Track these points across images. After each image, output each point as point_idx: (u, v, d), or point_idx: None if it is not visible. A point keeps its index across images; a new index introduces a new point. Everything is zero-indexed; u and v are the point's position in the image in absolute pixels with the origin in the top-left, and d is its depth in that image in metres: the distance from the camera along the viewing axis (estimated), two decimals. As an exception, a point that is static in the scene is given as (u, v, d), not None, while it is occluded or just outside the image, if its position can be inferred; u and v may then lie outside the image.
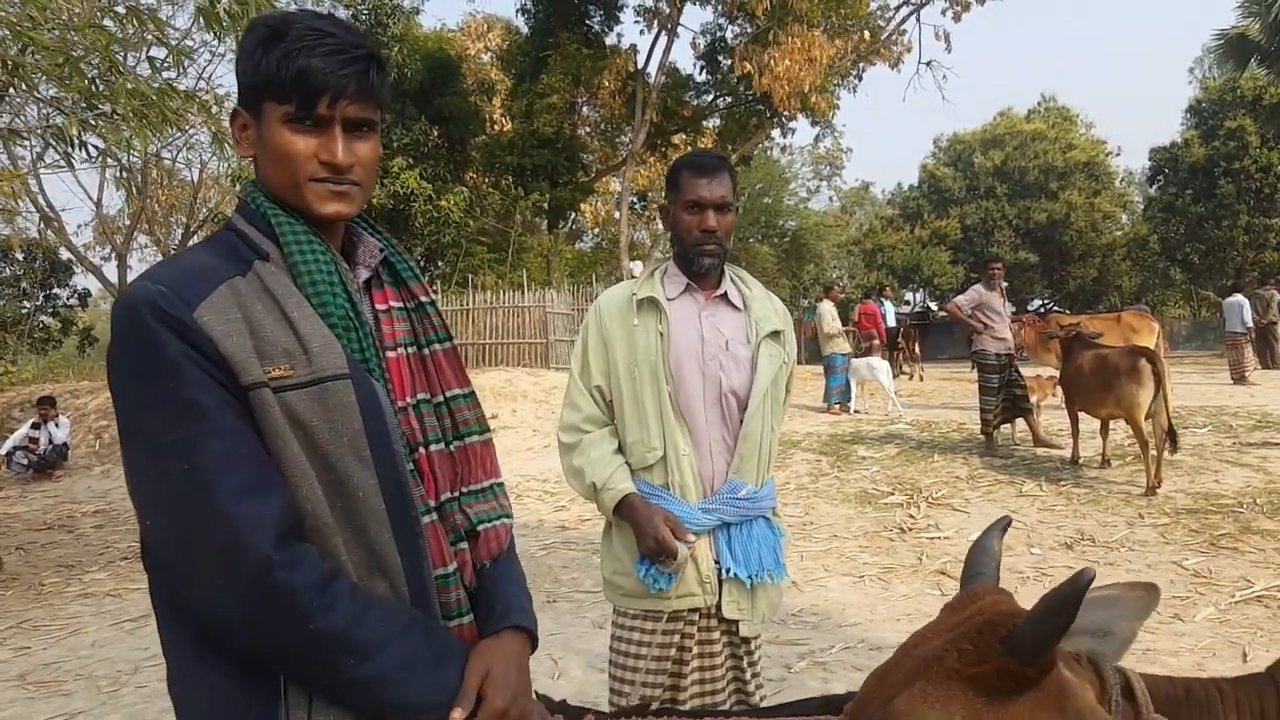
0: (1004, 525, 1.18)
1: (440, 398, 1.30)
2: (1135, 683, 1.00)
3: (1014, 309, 13.80)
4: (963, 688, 0.90)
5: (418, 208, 16.46)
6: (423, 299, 1.34)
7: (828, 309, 12.74)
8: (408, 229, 16.74)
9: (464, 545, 1.27)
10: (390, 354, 1.26)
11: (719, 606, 2.17)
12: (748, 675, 2.23)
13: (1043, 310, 30.09)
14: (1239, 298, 15.53)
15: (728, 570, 2.16)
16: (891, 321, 17.22)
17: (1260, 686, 1.04)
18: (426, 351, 1.31)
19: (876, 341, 14.49)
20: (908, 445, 9.54)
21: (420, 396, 1.27)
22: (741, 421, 2.21)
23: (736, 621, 2.19)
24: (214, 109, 8.83)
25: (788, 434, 10.61)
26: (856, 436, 10.23)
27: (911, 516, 7.13)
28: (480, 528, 1.30)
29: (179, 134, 10.83)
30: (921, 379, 16.54)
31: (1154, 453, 7.10)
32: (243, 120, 1.20)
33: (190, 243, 22.36)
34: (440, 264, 18.30)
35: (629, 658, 2.19)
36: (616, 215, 23.49)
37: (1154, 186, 30.84)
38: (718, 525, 2.17)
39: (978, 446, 9.11)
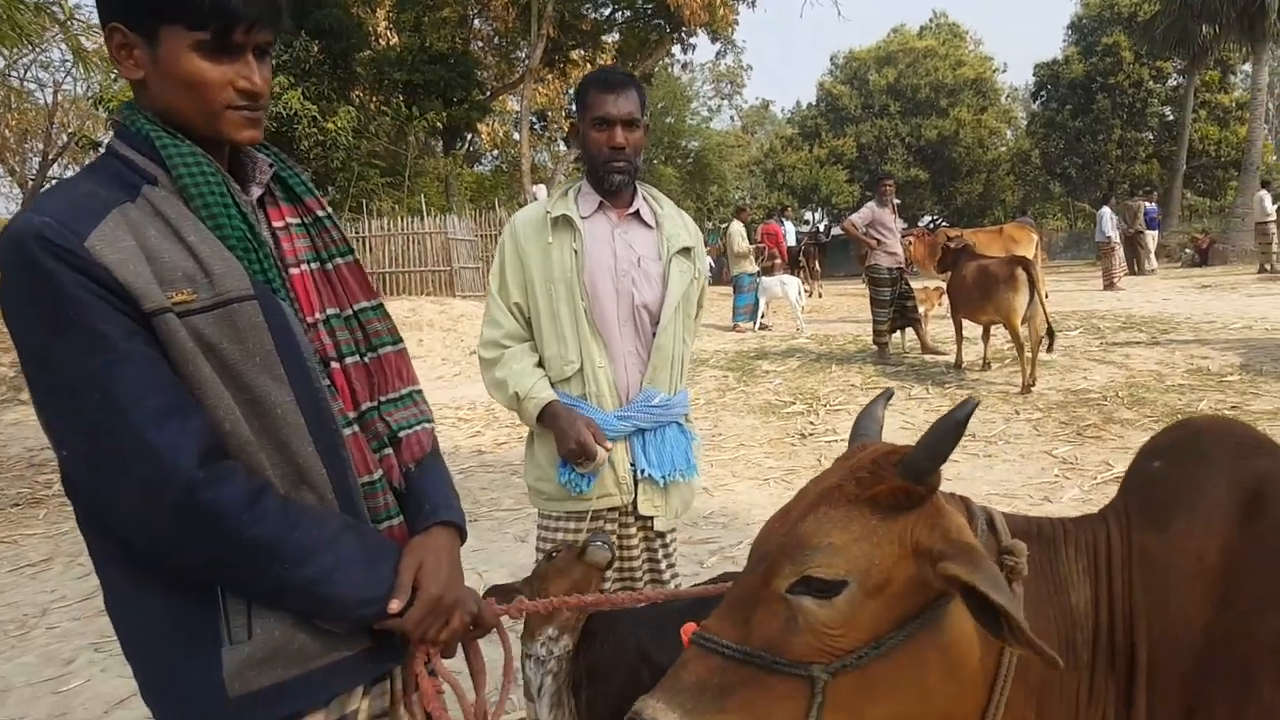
0: (887, 396, 1.33)
1: (349, 311, 1.31)
2: (996, 517, 1.18)
3: (905, 225, 14.32)
4: (860, 508, 1.04)
5: (302, 130, 15.64)
6: (319, 213, 1.32)
7: (737, 229, 12.92)
8: (293, 153, 15.91)
9: (388, 451, 1.30)
10: (293, 271, 1.26)
11: (635, 505, 2.32)
12: (663, 566, 2.41)
13: (932, 226, 31.27)
14: (1106, 209, 16.56)
15: (642, 471, 2.31)
16: (792, 241, 17.65)
17: (1094, 524, 1.24)
18: (330, 266, 1.31)
19: (778, 261, 14.85)
20: (808, 358, 9.95)
21: (330, 312, 1.28)
22: (654, 335, 2.33)
23: (651, 518, 2.35)
24: (70, 24, 8.13)
25: (696, 352, 10.84)
26: (760, 352, 10.59)
27: (811, 423, 7.51)
28: (401, 434, 1.32)
29: (30, 51, 9.92)
30: (820, 295, 17.09)
31: (1029, 354, 7.65)
32: (124, 39, 1.13)
33: (51, 172, 20.57)
34: (331, 190, 17.56)
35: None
36: (516, 136, 22.92)
37: (1036, 102, 32.11)
38: (633, 431, 2.30)
39: (872, 356, 9.59)
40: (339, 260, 1.32)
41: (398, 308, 12.71)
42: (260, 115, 1.19)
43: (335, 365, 1.26)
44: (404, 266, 14.81)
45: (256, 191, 1.27)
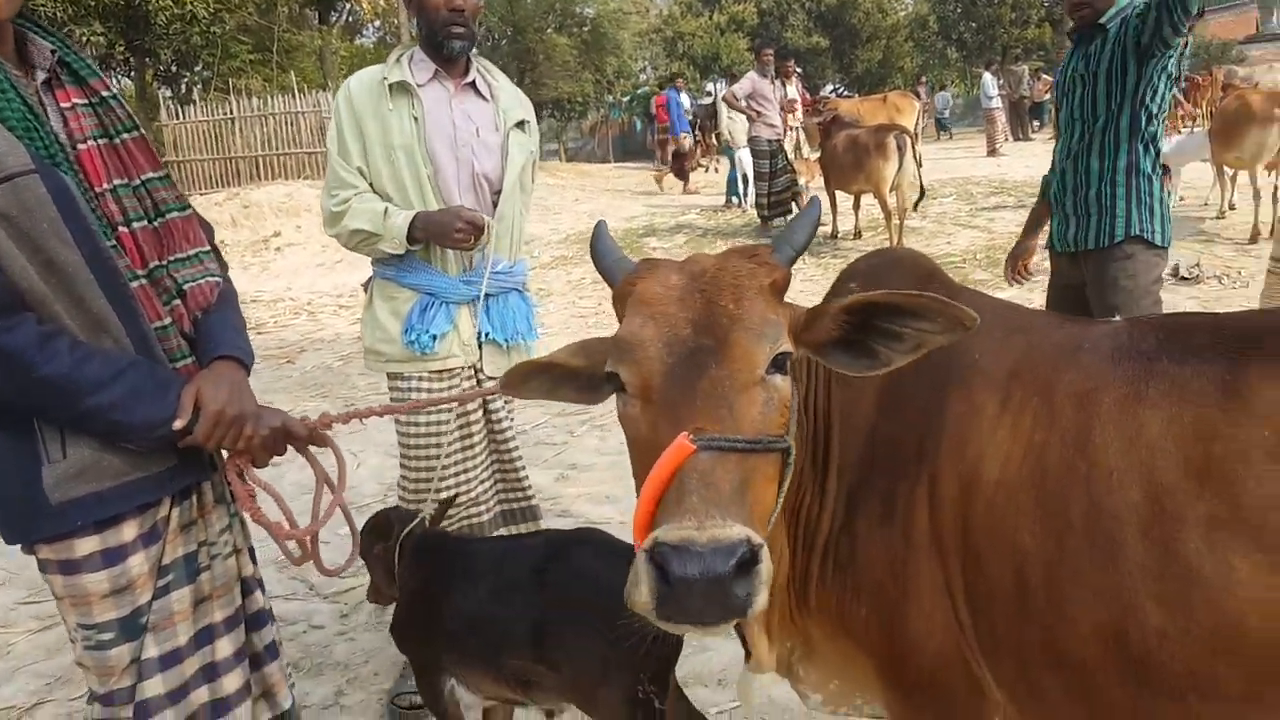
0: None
1: (137, 181, 1.48)
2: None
3: (807, 94, 14.20)
4: (767, 293, 1.15)
5: (156, 4, 14.30)
6: (104, 93, 1.46)
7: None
8: (149, 30, 14.63)
9: (176, 302, 1.51)
10: (82, 147, 1.41)
11: (480, 367, 2.46)
12: (505, 425, 2.57)
13: (834, 94, 31.15)
14: (988, 75, 16.82)
15: (486, 335, 2.44)
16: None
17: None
18: (118, 141, 1.46)
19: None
20: (695, 234, 10.08)
21: (117, 182, 1.44)
22: (495, 204, 2.40)
23: (494, 378, 2.47)
24: None
25: (584, 232, 10.85)
26: (649, 229, 10.65)
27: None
28: (187, 286, 1.52)
29: None
30: (717, 170, 17.02)
31: (896, 221, 7.94)
32: None
33: None
34: (196, 69, 16.28)
35: (410, 418, 2.44)
36: (397, 2, 21.44)
37: (933, -36, 31.66)
38: (477, 296, 2.40)
39: (756, 230, 9.77)
40: (125, 136, 1.47)
41: (273, 193, 12.13)
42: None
43: (123, 229, 1.44)
44: (278, 149, 13.95)
45: (42, 75, 1.39)
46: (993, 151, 15.83)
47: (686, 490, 0.96)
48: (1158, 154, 2.67)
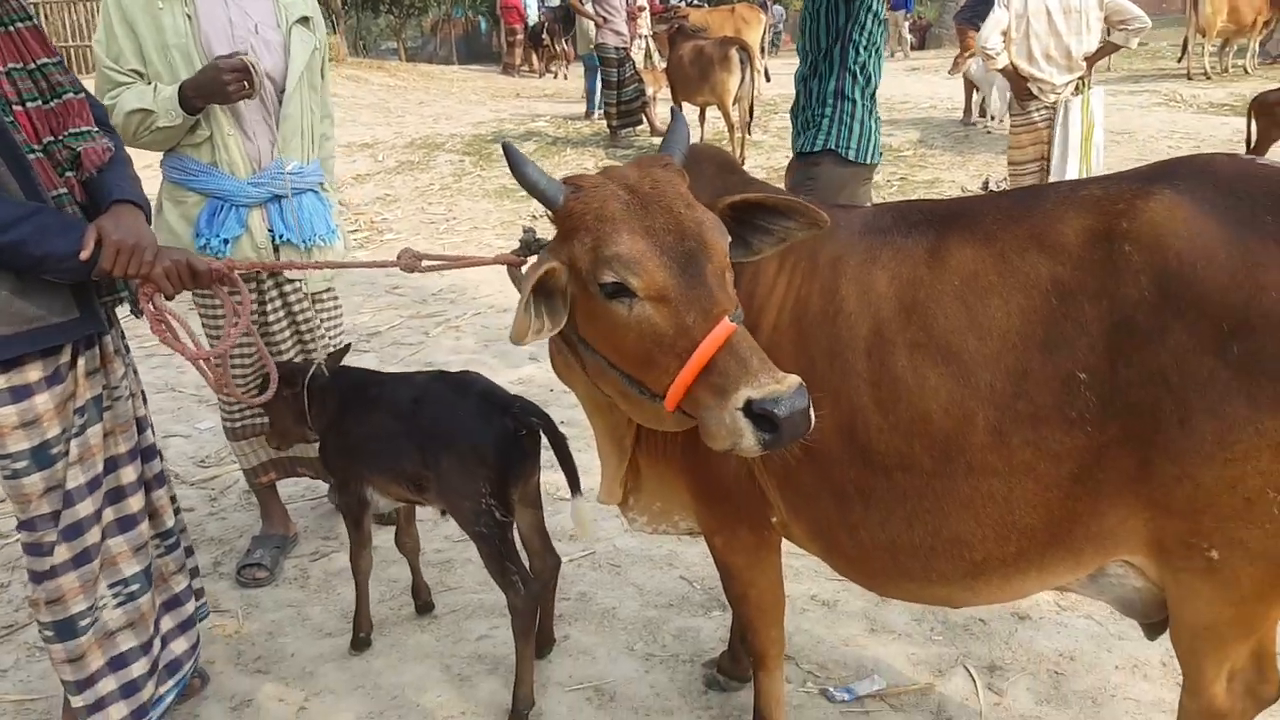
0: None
1: (32, 65, 1.64)
2: None
3: (658, 0, 14.15)
4: (699, 202, 1.40)
5: None
6: None
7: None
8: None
9: (70, 174, 1.69)
10: None
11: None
12: (321, 329, 2.64)
13: (683, 2, 30.95)
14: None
15: (281, 237, 2.47)
16: (534, 16, 16.95)
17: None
18: (12, 29, 1.62)
19: (520, 37, 14.35)
20: (544, 142, 10.12)
21: (11, 66, 1.61)
22: (280, 104, 2.42)
23: (298, 281, 2.55)
24: None
25: (430, 136, 10.65)
26: (498, 135, 10.57)
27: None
28: (79, 148, 1.70)
29: None
30: (566, 77, 16.83)
31: (739, 134, 8.35)
32: None
33: None
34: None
35: (215, 318, 2.51)
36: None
37: None
38: (269, 199, 2.44)
39: (606, 140, 9.93)
40: (19, 24, 1.64)
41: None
42: None
43: (18, 108, 1.62)
44: (87, 40, 12.68)
45: None
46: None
47: (745, 357, 1.26)
48: (867, 82, 3.02)
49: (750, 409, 1.24)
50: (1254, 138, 6.52)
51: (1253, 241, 1.26)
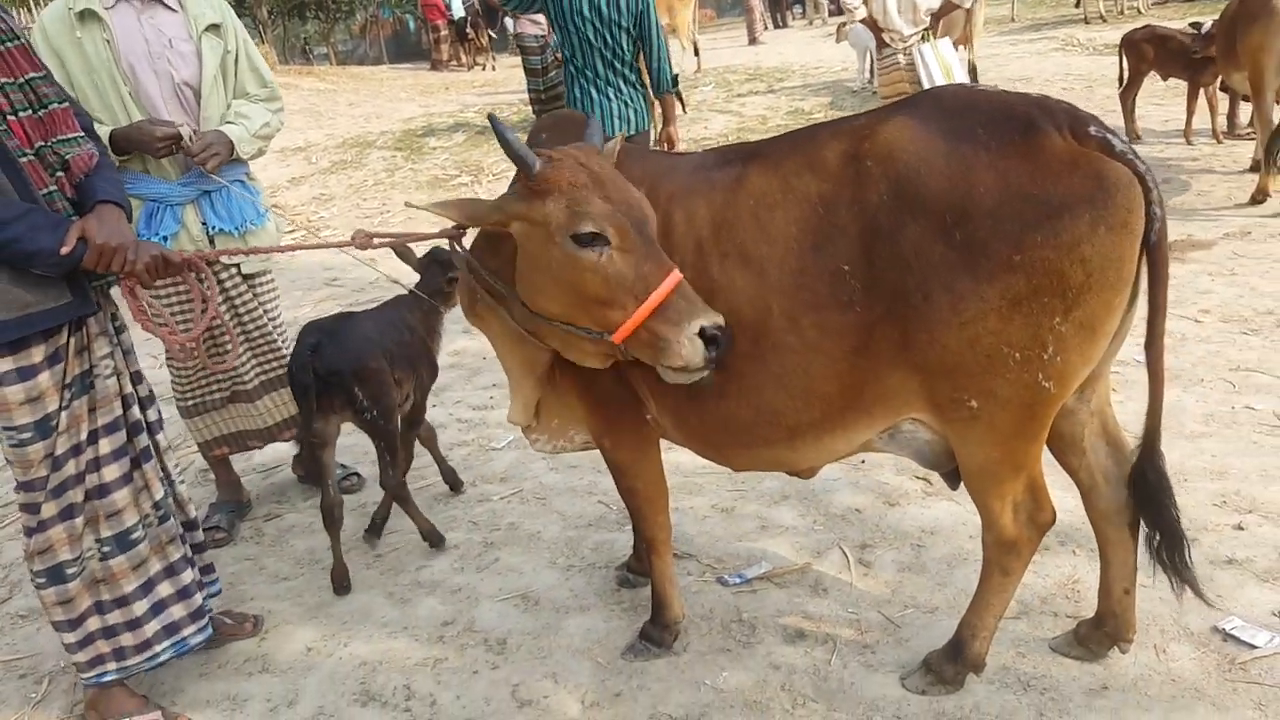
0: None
1: (21, 80, 1.84)
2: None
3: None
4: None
5: None
6: None
7: None
8: None
9: (60, 174, 1.90)
10: None
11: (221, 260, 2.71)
12: (259, 311, 2.88)
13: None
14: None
15: (214, 227, 2.72)
16: (459, 12, 17.00)
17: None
18: (2, 49, 1.82)
19: (444, 33, 14.42)
20: (473, 131, 10.31)
21: (4, 81, 1.81)
22: (199, 107, 2.67)
23: (236, 265, 2.79)
24: None
25: (360, 135, 10.80)
26: (428, 129, 10.75)
27: (476, 194, 8.10)
28: (68, 156, 1.90)
29: None
30: (494, 69, 16.95)
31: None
32: None
33: None
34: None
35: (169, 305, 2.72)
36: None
37: None
38: (199, 195, 2.69)
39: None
40: (8, 44, 1.85)
41: None
42: None
43: (11, 118, 1.82)
44: None
45: None
46: (753, 40, 16.74)
47: (692, 297, 1.67)
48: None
49: (703, 333, 1.63)
50: (1125, 74, 6.98)
51: (966, 149, 1.60)
